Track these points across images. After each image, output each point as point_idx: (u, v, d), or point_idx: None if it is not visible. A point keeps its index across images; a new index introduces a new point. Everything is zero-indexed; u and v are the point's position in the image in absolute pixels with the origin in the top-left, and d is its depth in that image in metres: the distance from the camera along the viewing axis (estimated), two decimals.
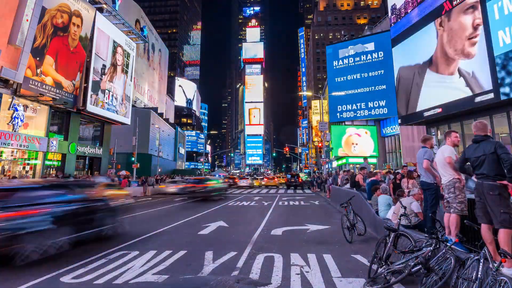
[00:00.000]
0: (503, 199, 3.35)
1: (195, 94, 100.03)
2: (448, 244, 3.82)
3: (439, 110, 17.03)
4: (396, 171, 11.74)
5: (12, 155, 19.27)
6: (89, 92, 22.40)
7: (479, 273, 3.12)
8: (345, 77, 36.85)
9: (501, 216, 3.32)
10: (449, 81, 16.46)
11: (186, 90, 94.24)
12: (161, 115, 54.35)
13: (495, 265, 3.03)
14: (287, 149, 65.69)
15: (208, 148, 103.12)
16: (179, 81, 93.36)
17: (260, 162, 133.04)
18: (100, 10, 24.05)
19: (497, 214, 3.35)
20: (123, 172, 29.66)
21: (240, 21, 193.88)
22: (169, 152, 55.74)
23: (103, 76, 24.38)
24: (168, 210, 13.97)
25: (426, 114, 18.18)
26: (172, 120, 69.61)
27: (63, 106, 20.58)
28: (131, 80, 29.34)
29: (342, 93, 34.89)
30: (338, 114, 37.19)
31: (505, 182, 3.36)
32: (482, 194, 3.53)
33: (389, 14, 22.59)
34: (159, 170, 40.38)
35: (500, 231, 3.33)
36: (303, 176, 44.80)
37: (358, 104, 35.52)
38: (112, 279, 4.51)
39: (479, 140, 3.69)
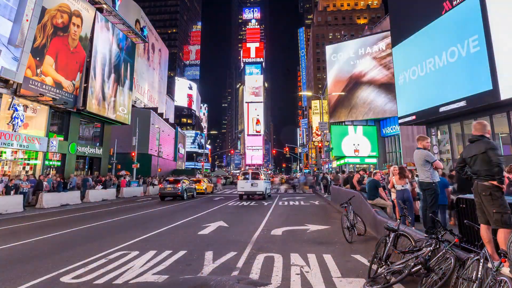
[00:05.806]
0: (495, 199, 3.41)
1: (196, 94, 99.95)
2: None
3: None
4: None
5: (12, 155, 19.26)
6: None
7: (479, 273, 3.12)
8: None
9: (494, 216, 3.39)
10: None
11: (185, 89, 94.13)
12: (161, 115, 54.28)
13: (495, 265, 3.03)
14: (287, 149, 65.67)
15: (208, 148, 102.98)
16: (179, 81, 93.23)
17: (260, 162, 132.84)
18: (100, 10, 24.05)
19: (491, 214, 3.42)
20: (123, 172, 29.67)
21: (240, 21, 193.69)
22: (169, 152, 55.69)
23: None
24: (168, 210, 13.97)
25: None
26: (172, 120, 69.52)
27: (63, 106, 20.57)
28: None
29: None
30: None
31: (495, 182, 3.44)
32: (478, 194, 3.58)
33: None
34: (159, 170, 40.35)
35: (498, 231, 3.38)
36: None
37: None
38: (112, 279, 4.51)
39: (474, 140, 3.81)
